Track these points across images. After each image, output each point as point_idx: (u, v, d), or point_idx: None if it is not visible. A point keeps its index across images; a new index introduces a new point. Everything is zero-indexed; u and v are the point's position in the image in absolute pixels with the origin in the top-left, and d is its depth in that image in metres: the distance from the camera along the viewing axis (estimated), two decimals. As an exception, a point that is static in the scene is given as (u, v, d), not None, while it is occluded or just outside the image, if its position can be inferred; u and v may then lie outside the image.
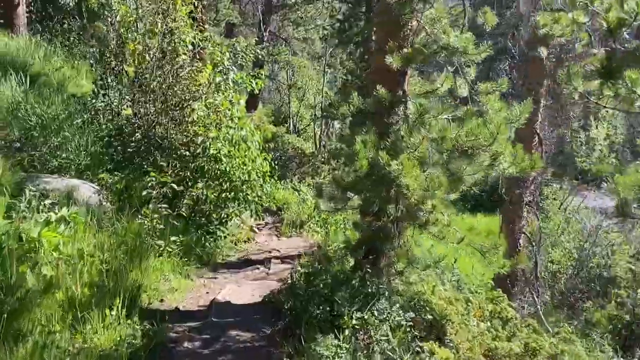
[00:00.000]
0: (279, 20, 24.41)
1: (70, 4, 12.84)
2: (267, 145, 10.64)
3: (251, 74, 8.12)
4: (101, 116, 7.63)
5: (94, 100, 7.66)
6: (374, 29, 5.44)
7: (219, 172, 6.81)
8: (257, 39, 22.06)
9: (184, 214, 6.17)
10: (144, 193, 5.41)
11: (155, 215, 5.27)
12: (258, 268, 6.49)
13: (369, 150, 4.37)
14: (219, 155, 6.76)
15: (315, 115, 25.67)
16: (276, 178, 11.12)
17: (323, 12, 22.10)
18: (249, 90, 8.51)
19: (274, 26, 24.70)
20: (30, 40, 11.69)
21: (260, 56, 22.22)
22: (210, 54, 7.46)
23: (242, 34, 32.51)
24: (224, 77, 7.76)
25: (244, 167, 6.98)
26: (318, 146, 24.52)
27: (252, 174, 7.07)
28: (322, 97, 26.87)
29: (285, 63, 22.80)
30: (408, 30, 5.08)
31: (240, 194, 6.93)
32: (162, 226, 5.39)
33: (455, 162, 4.52)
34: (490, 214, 24.88)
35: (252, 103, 24.46)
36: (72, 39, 11.78)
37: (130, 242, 5.13)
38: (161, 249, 5.21)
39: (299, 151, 14.91)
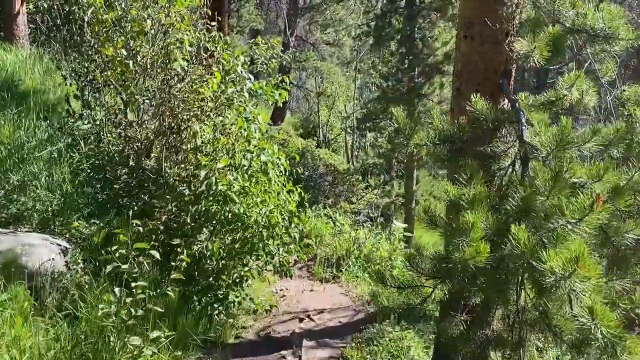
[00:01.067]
0: (305, 24, 22.75)
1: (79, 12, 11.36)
2: (294, 162, 8.88)
3: (272, 81, 6.31)
4: (82, 143, 5.96)
5: (75, 123, 6.01)
6: (466, 6, 3.42)
7: (230, 216, 5.01)
8: (283, 44, 20.53)
9: (180, 277, 4.36)
10: (109, 269, 3.61)
11: (129, 299, 3.49)
12: (285, 358, 4.62)
13: (482, 218, 2.44)
14: (229, 193, 4.97)
15: (346, 125, 23.91)
16: (306, 204, 9.39)
17: (355, 12, 20.29)
18: (271, 102, 6.72)
19: (300, 30, 23.02)
20: (31, 53, 10.29)
21: (284, 61, 20.58)
22: (218, 60, 5.70)
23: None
24: (238, 88, 6.00)
25: (264, 207, 5.16)
26: (350, 157, 22.75)
27: (275, 216, 5.26)
28: (354, 105, 25.15)
29: (313, 69, 21.12)
30: (511, 4, 3.17)
31: (260, 244, 5.11)
32: (141, 311, 3.60)
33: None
34: None
35: (279, 114, 22.86)
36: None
37: (89, 342, 3.38)
38: (136, 352, 3.42)
39: (332, 168, 13.10)
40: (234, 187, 5.06)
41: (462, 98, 3.12)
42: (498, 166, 2.85)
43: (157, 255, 3.60)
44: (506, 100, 3.10)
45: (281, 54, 9.68)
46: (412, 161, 11.06)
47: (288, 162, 6.29)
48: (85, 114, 5.87)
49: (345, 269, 7.94)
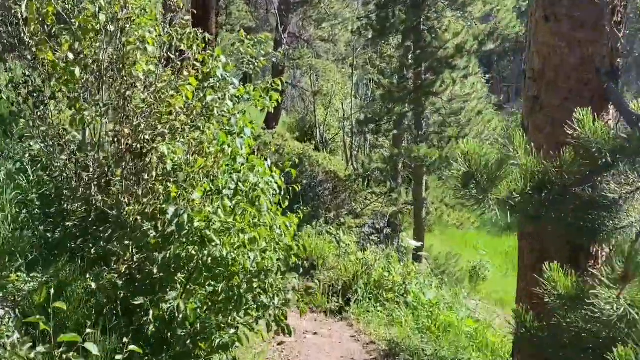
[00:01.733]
0: (299, 20, 21.59)
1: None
2: (290, 176, 7.80)
3: (262, 85, 5.19)
4: (29, 169, 4.85)
5: (19, 144, 4.89)
6: None
7: (209, 261, 3.90)
8: (275, 41, 19.40)
9: (138, 351, 3.22)
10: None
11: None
12: None
13: None
14: (207, 232, 3.86)
15: (344, 125, 22.80)
16: (300, 217, 8.31)
17: (350, 5, 19.17)
18: (260, 108, 5.60)
19: (293, 27, 21.89)
20: None
21: (276, 59, 19.40)
22: (192, 63, 4.60)
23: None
24: (219, 95, 4.89)
25: (253, 248, 4.05)
26: (349, 159, 21.62)
27: (269, 258, 4.16)
28: (352, 103, 24.04)
29: (308, 67, 20.00)
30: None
31: (249, 294, 4.00)
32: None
33: None
34: None
35: (273, 117, 21.71)
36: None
37: None
38: None
39: (332, 174, 11.99)
40: (213, 223, 3.95)
41: (541, 111, 2.04)
42: (615, 224, 1.75)
43: (94, 351, 2.46)
44: (613, 114, 2.01)
45: (271, 51, 8.61)
46: (421, 166, 9.99)
47: (283, 178, 5.19)
48: (32, 133, 4.76)
49: (354, 301, 6.85)
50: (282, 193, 5.08)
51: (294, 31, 20.93)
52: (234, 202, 4.30)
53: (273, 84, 5.45)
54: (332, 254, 8.02)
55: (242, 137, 4.95)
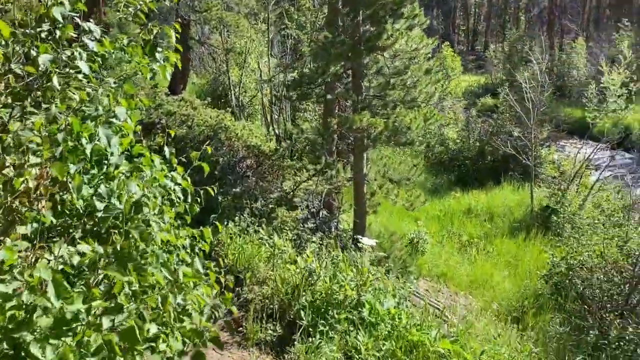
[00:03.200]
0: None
1: None
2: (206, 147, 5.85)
3: (143, 36, 3.05)
4: None
5: None
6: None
7: None
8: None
9: None
10: None
11: None
12: None
13: None
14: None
15: (261, 87, 20.56)
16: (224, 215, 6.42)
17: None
18: (148, 77, 3.48)
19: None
20: None
21: (180, 11, 16.64)
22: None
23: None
24: (67, 52, 2.81)
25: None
26: (270, 125, 19.52)
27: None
28: (269, 62, 21.80)
29: (217, 21, 17.47)
30: None
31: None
32: None
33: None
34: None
35: (180, 78, 19.03)
36: None
37: None
38: None
39: (255, 150, 10.00)
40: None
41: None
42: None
43: None
44: None
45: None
46: (362, 137, 8.28)
47: (188, 178, 3.31)
48: None
49: (298, 328, 5.10)
50: (189, 199, 3.20)
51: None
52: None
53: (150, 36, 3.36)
54: (263, 262, 6.18)
55: (111, 123, 2.93)
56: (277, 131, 19.73)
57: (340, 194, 9.82)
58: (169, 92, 16.04)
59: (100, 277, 2.39)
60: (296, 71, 11.40)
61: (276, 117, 19.81)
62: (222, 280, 3.16)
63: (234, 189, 7.81)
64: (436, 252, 14.39)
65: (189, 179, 3.27)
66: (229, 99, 21.94)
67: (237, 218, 6.93)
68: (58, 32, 2.86)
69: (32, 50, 2.76)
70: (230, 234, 6.46)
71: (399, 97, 8.25)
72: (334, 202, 10.06)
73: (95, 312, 2.11)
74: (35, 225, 2.47)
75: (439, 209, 18.35)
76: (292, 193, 9.46)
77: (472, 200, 18.99)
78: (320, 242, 8.53)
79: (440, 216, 17.70)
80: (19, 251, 2.22)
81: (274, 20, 26.77)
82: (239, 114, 22.16)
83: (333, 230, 9.42)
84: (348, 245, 9.20)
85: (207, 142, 9.65)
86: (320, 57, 8.09)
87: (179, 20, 18.07)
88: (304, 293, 5.66)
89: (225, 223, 6.62)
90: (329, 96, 8.84)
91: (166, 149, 3.32)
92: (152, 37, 3.07)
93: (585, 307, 8.19)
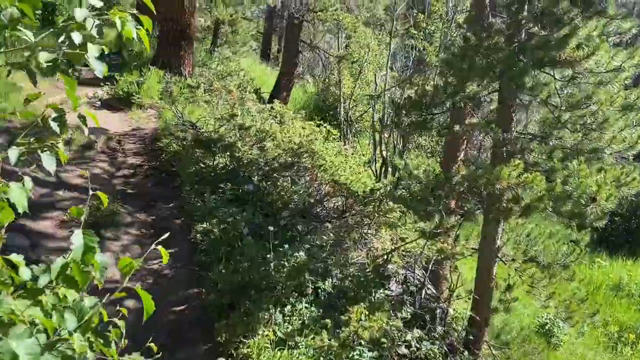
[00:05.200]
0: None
1: None
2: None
3: None
4: None
5: None
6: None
7: None
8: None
9: None
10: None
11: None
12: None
13: None
14: None
15: (374, 103, 17.92)
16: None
17: None
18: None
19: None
20: None
21: (294, 8, 14.55)
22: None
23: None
24: None
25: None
26: (379, 155, 16.83)
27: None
28: (386, 76, 19.14)
29: (334, 23, 15.24)
30: None
31: None
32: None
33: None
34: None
35: (285, 83, 17.04)
36: None
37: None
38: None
39: (344, 189, 7.34)
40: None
41: None
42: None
43: None
44: None
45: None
46: (505, 200, 5.28)
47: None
48: None
49: None
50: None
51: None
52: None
53: None
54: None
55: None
56: (384, 154, 17.03)
57: (455, 269, 6.84)
58: (270, 99, 14.09)
59: None
60: (415, 88, 8.61)
61: (385, 137, 17.15)
62: None
63: (298, 252, 5.21)
64: (574, 346, 10.75)
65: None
66: (338, 112, 19.71)
67: (288, 307, 4.34)
68: None
69: None
70: (267, 342, 3.89)
71: (574, 143, 5.17)
72: (445, 279, 7.09)
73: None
74: None
75: (578, 278, 14.36)
76: (387, 256, 6.67)
77: (623, 272, 14.69)
78: (418, 344, 5.66)
79: (578, 291, 13.73)
80: None
81: (400, 33, 23.99)
82: (346, 130, 19.79)
83: (438, 319, 6.47)
84: (459, 352, 6.22)
85: (278, 171, 7.17)
86: (453, 69, 5.27)
87: (291, 19, 16.16)
88: None
89: (265, 317, 4.05)
90: (456, 128, 5.96)
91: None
92: None
93: None
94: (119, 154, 7.88)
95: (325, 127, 9.60)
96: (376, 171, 16.15)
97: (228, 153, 7.38)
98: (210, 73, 11.97)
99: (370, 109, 19.03)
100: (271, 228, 5.11)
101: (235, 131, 7.97)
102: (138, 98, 10.10)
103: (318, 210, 7.23)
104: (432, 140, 17.94)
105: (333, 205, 7.55)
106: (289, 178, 7.32)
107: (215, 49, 18.50)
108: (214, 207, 6.01)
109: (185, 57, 11.52)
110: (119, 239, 5.63)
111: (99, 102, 10.20)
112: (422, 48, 18.37)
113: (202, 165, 7.15)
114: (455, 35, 15.84)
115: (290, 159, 7.56)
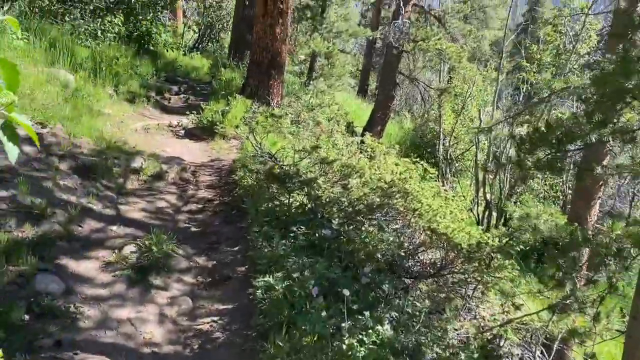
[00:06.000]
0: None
1: None
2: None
3: None
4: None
5: None
6: None
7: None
8: (393, 14, 13.71)
9: None
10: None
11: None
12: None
13: None
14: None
15: (477, 140, 16.30)
16: None
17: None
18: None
19: None
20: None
21: (392, 35, 13.54)
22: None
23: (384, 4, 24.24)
24: None
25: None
26: (480, 188, 15.22)
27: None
28: (492, 112, 17.57)
29: (435, 53, 14.03)
30: None
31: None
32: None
33: None
34: None
35: (379, 116, 15.98)
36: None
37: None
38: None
39: (444, 239, 6.00)
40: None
41: None
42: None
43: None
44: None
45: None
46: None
47: None
48: None
49: None
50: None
51: (419, 2, 15.01)
52: None
53: None
54: None
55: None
56: (488, 196, 15.29)
57: (592, 357, 5.17)
58: (363, 134, 13.11)
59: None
60: (533, 120, 7.13)
61: (490, 179, 15.43)
62: None
63: (382, 322, 3.97)
64: None
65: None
66: (436, 149, 18.29)
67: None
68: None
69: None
70: None
71: None
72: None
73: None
74: None
75: None
76: (497, 330, 5.20)
77: None
78: None
79: None
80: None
81: (507, 71, 22.41)
82: (445, 169, 18.28)
83: None
84: None
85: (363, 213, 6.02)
86: (597, 87, 3.88)
87: (388, 47, 15.15)
88: None
89: None
90: (598, 170, 4.49)
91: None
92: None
93: None
94: (191, 186, 7.16)
95: (422, 164, 8.35)
96: (478, 216, 14.44)
97: (306, 190, 6.36)
98: (299, 104, 11.26)
99: (474, 146, 17.45)
100: (347, 292, 3.93)
101: (316, 165, 6.98)
102: (221, 127, 9.53)
103: (410, 264, 5.93)
104: (545, 184, 15.88)
105: (429, 258, 6.22)
106: (376, 223, 6.13)
107: (310, 81, 17.97)
108: (282, 255, 4.96)
109: (274, 86, 10.88)
110: (169, 287, 4.71)
111: (182, 131, 9.75)
112: (534, 81, 16.63)
113: (275, 202, 6.19)
114: (575, 64, 13.98)
115: (378, 199, 6.37)
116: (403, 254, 5.71)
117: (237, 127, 8.24)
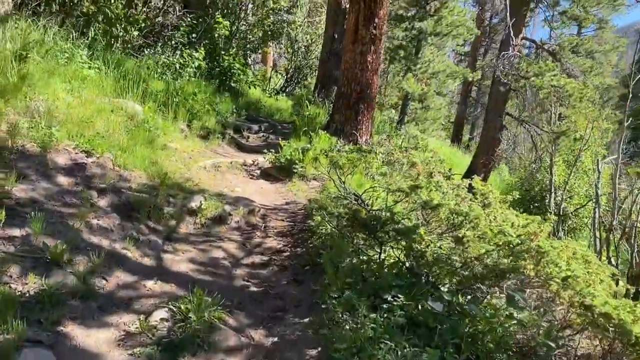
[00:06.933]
0: (541, 21, 13.88)
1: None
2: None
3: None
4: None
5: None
6: None
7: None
8: (500, 43, 12.04)
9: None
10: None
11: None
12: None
13: None
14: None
15: (597, 194, 13.79)
16: None
17: None
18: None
19: (532, 29, 14.12)
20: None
21: (500, 69, 11.90)
22: None
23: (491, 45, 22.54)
24: None
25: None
26: (602, 253, 12.57)
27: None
28: (617, 164, 14.94)
29: (550, 91, 12.13)
30: None
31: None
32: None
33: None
34: None
35: (481, 165, 14.09)
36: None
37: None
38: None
39: (605, 320, 4.11)
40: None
41: None
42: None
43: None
44: None
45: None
46: None
47: None
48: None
49: None
50: None
51: (530, 36, 13.21)
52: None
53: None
54: None
55: None
56: (612, 261, 12.64)
57: None
58: (464, 177, 11.37)
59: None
60: None
61: (618, 240, 12.81)
62: None
63: None
64: None
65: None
66: (546, 204, 15.90)
67: None
68: None
69: None
70: None
71: None
72: None
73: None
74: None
75: None
76: None
77: None
78: None
79: None
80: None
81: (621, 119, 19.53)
82: (556, 227, 15.77)
83: None
84: None
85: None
86: None
87: (494, 82, 13.44)
88: None
89: None
90: None
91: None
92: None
93: None
94: (258, 233, 5.80)
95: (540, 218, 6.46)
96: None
97: (403, 243, 4.75)
98: (390, 143, 9.83)
99: (591, 201, 14.92)
100: None
101: (417, 211, 5.38)
102: (301, 167, 8.24)
103: (557, 356, 4.05)
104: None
105: (582, 348, 4.29)
106: (504, 293, 4.36)
107: (402, 125, 16.52)
108: (371, 338, 3.35)
109: (363, 122, 9.51)
110: (204, 378, 3.23)
111: (257, 171, 8.58)
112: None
113: (361, 258, 4.63)
114: None
115: (505, 260, 4.61)
116: (552, 343, 3.86)
117: (315, 159, 6.87)
